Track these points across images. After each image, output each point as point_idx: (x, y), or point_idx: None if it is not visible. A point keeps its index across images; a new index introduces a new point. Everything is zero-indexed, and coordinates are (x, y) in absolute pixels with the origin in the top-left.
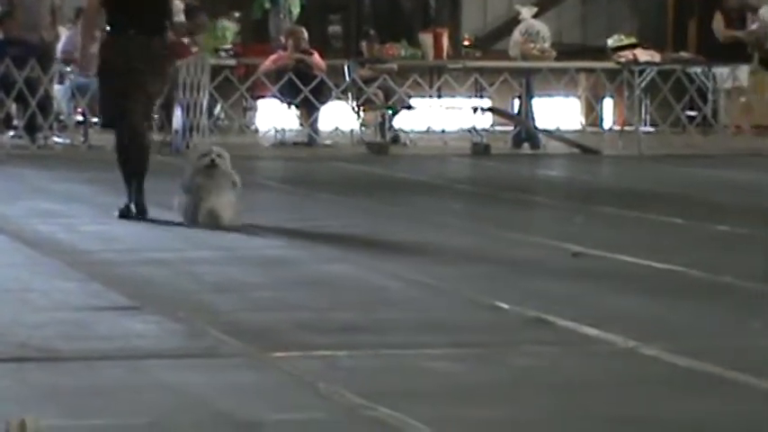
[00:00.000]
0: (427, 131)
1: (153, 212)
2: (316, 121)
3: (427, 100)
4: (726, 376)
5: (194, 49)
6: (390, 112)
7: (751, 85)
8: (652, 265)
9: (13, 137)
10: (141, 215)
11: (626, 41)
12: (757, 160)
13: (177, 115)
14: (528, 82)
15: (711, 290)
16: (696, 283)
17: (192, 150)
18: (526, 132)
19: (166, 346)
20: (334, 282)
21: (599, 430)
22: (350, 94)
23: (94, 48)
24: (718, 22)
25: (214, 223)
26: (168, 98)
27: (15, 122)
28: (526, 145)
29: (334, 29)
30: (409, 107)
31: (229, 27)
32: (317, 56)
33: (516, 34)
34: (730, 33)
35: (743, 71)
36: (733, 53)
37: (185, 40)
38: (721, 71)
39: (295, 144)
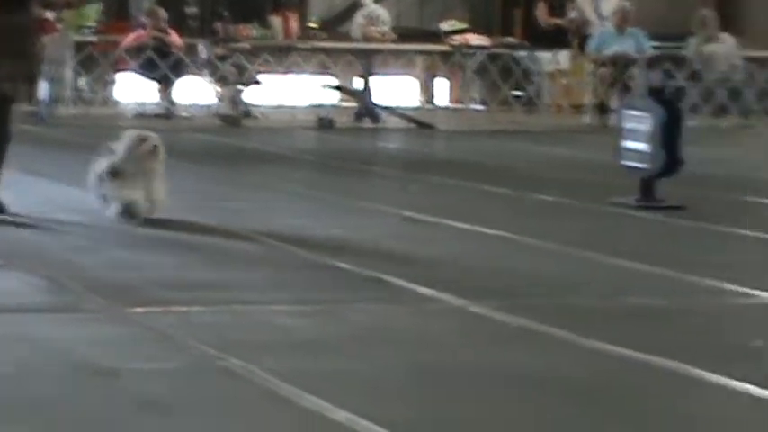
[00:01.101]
0: (277, 107)
1: (18, 177)
2: (171, 94)
3: (277, 77)
4: (546, 331)
5: (59, 26)
6: (241, 88)
7: (571, 68)
8: (480, 230)
9: None
10: None
11: (458, 27)
12: (575, 136)
13: (43, 87)
14: (369, 62)
15: (525, 251)
16: (523, 247)
17: (128, 134)
18: (367, 108)
19: (30, 301)
20: (188, 243)
21: (428, 380)
22: (205, 71)
23: None
24: (541, 11)
25: (151, 211)
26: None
27: None
28: (368, 120)
29: (191, 10)
30: (257, 82)
31: (94, 6)
32: (174, 34)
33: (359, 18)
34: (552, 21)
35: (563, 56)
36: (555, 39)
37: (50, 15)
38: (544, 55)
39: (156, 116)
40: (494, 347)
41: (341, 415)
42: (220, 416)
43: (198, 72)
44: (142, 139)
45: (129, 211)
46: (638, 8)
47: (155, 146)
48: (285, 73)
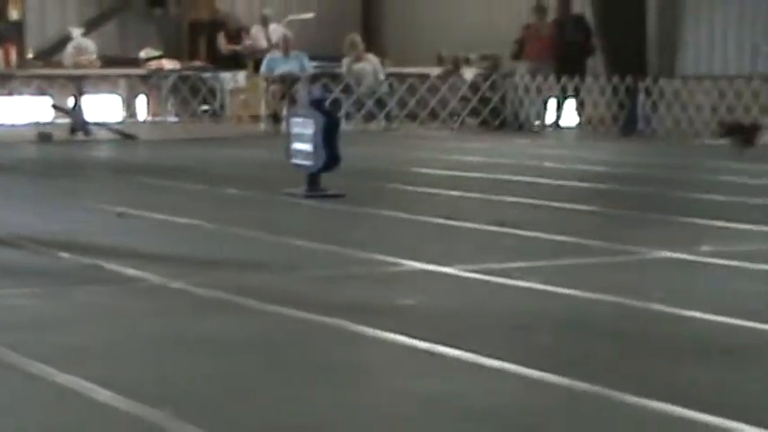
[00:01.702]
0: (1, 125)
1: None
2: None
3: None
4: (237, 301)
5: None
6: None
7: (247, 85)
8: (178, 221)
9: None
10: None
11: (154, 54)
12: (254, 141)
13: None
14: (80, 84)
15: (216, 236)
16: (215, 233)
17: None
18: (79, 123)
19: None
20: None
21: (145, 346)
22: None
23: None
24: (221, 40)
25: None
26: None
27: None
28: (81, 133)
29: None
30: None
31: None
32: None
33: (69, 48)
34: (230, 48)
35: (241, 75)
36: (233, 62)
37: None
38: (225, 75)
39: None
40: (192, 317)
41: (66, 378)
42: None
43: None
44: None
45: None
46: (300, 35)
47: None
48: (8, 95)
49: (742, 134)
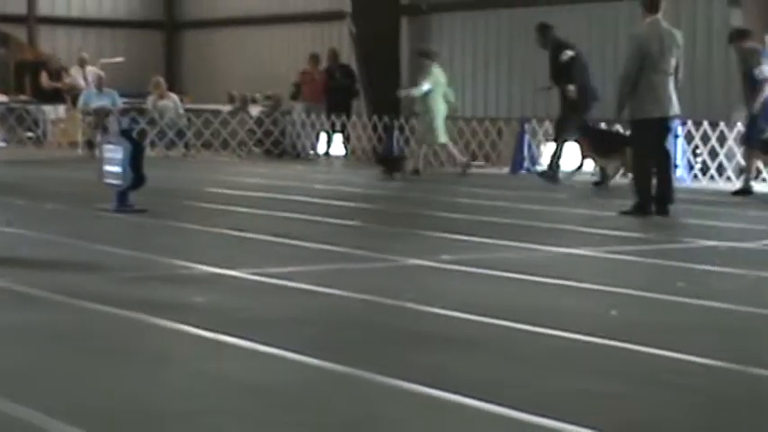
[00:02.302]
0: None
1: None
2: None
3: None
4: (49, 297)
5: None
6: None
7: (67, 117)
8: (2, 230)
9: None
10: None
11: None
12: (72, 164)
13: None
14: None
15: (36, 243)
16: (43, 241)
17: None
18: None
19: None
20: None
21: None
22: None
23: None
24: (44, 78)
25: None
26: None
27: None
28: None
29: None
30: None
31: None
32: None
33: None
34: (52, 84)
35: (61, 108)
36: (54, 97)
37: None
38: (48, 108)
39: None
40: (10, 311)
41: None
42: None
43: None
44: None
45: None
46: (111, 76)
47: None
48: None
49: (389, 163)
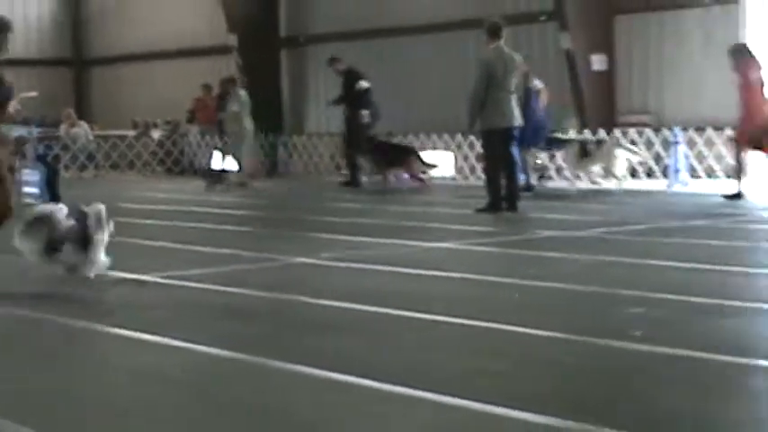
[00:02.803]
0: None
1: None
2: None
3: None
4: None
5: None
6: None
7: None
8: None
9: None
10: None
11: None
12: None
13: None
14: None
15: None
16: None
17: (78, 206)
18: None
19: None
20: None
21: None
22: None
23: None
24: None
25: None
26: None
27: None
28: None
29: None
30: None
31: None
32: None
33: None
34: None
35: None
36: None
37: None
38: None
39: None
40: None
41: None
42: None
43: None
44: (95, 212)
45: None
46: (28, 108)
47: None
48: None
49: (212, 176)
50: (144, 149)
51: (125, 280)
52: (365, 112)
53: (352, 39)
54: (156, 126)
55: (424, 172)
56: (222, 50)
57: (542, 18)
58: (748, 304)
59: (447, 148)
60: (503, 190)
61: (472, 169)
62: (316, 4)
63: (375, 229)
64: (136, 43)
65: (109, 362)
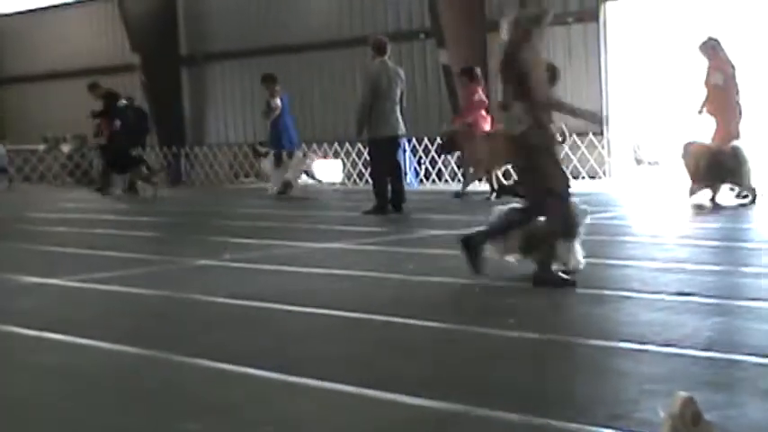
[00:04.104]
0: None
1: None
2: None
3: None
4: None
5: None
6: None
7: None
8: None
9: None
10: None
11: None
12: None
13: None
14: None
15: None
16: None
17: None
18: None
19: None
20: None
21: None
22: None
23: None
24: None
25: None
26: None
27: None
28: None
29: None
30: None
31: None
32: None
33: None
34: None
35: None
36: None
37: None
38: None
39: None
40: None
41: None
42: None
43: None
44: None
45: None
46: None
47: None
48: None
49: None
50: (55, 162)
51: (35, 284)
52: (118, 123)
53: (247, 56)
54: (65, 140)
55: (150, 178)
56: (126, 69)
57: (421, 36)
58: (611, 292)
59: (336, 155)
60: (389, 194)
61: (360, 175)
62: (213, 24)
63: (271, 232)
64: (45, 63)
65: (14, 360)
